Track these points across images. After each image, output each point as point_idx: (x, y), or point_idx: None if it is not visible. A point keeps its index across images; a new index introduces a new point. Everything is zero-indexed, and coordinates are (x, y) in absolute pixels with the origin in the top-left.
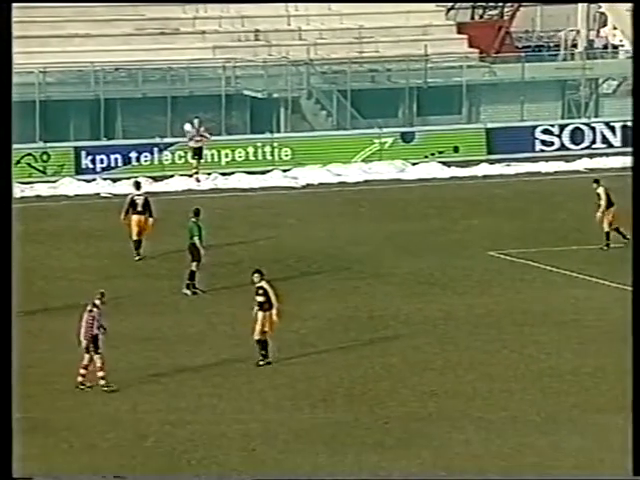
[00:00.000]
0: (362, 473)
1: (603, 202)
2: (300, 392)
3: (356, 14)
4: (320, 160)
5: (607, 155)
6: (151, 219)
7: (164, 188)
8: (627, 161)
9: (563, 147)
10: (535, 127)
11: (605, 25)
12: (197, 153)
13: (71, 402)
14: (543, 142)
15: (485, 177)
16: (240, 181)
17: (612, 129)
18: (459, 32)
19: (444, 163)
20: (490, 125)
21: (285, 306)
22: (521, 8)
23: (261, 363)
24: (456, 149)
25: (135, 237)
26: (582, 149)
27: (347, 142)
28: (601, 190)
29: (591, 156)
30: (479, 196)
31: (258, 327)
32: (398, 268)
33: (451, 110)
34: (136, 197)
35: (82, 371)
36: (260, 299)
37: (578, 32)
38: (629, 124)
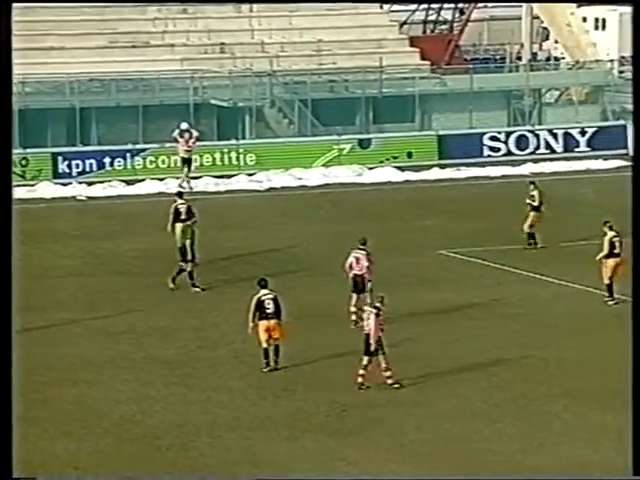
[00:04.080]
0: (363, 473)
1: (536, 204)
2: (264, 382)
3: (315, 28)
4: (283, 165)
5: (550, 160)
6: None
7: (136, 191)
8: (570, 165)
9: (509, 153)
10: (483, 134)
11: (547, 39)
12: (186, 162)
13: (48, 393)
14: (490, 148)
15: (436, 181)
16: (208, 185)
17: (554, 136)
18: (412, 45)
19: (398, 168)
20: (441, 132)
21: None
22: (469, 23)
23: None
24: (409, 155)
25: (179, 245)
26: (527, 154)
27: (308, 148)
28: (536, 192)
29: (535, 161)
30: (431, 198)
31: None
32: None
33: (405, 118)
34: (180, 206)
35: (361, 372)
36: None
37: (522, 46)
38: (570, 131)
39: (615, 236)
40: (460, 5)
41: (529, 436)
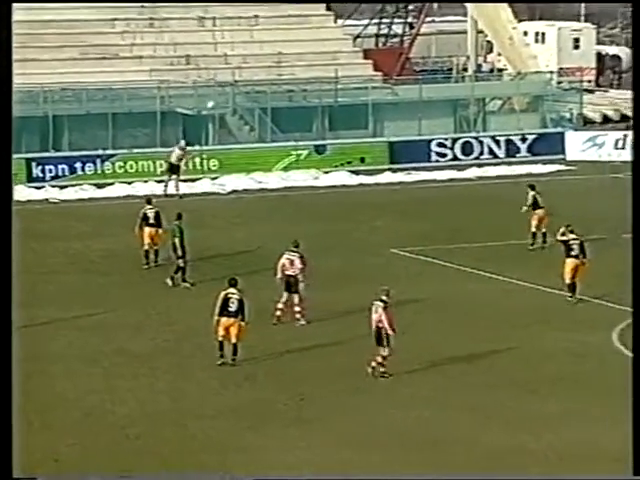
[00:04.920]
0: (363, 473)
1: (529, 203)
2: (227, 373)
3: (275, 41)
4: (244, 169)
5: (493, 165)
6: (161, 231)
7: (106, 194)
8: (512, 169)
9: (455, 158)
10: (431, 140)
11: (491, 52)
12: (174, 169)
13: (24, 387)
14: (438, 154)
15: (388, 184)
16: (171, 188)
17: (497, 142)
18: (365, 57)
19: (352, 172)
20: (392, 139)
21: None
22: (418, 37)
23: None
24: (363, 159)
25: (146, 247)
26: (471, 159)
27: (268, 153)
28: (530, 195)
29: (479, 165)
30: (383, 201)
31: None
32: (313, 264)
33: (358, 126)
34: (148, 211)
35: (377, 360)
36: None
37: (468, 58)
38: (512, 138)
39: (574, 239)
40: (410, 20)
41: (478, 424)
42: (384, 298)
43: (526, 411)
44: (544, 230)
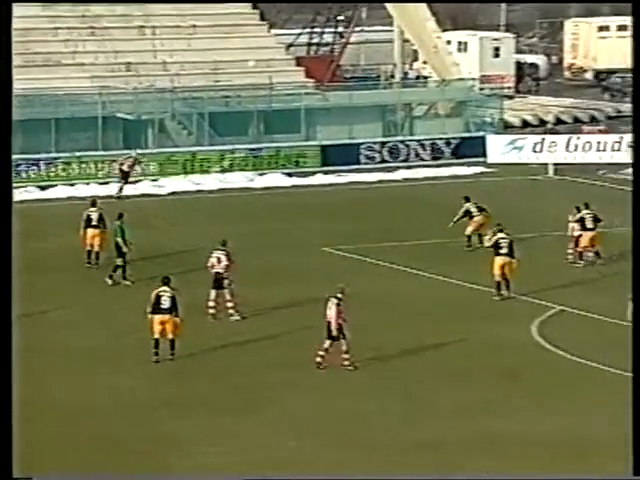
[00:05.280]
0: (364, 473)
1: (457, 218)
2: (163, 367)
3: (212, 49)
4: (182, 172)
5: (419, 167)
6: (104, 231)
7: (49, 196)
8: (437, 172)
9: (384, 161)
10: (361, 144)
11: (417, 60)
12: (125, 176)
13: None
14: (367, 156)
15: (320, 185)
16: (115, 190)
17: (423, 145)
18: (297, 65)
19: (287, 174)
20: (324, 142)
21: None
22: (348, 46)
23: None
24: (296, 162)
25: (89, 248)
26: (399, 162)
27: (205, 156)
28: (465, 205)
29: (407, 168)
30: (315, 202)
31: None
32: (247, 262)
33: (292, 130)
34: (91, 213)
35: (321, 353)
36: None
37: (395, 65)
38: (437, 141)
39: (503, 238)
40: (340, 29)
41: (410, 412)
42: (339, 295)
43: (452, 401)
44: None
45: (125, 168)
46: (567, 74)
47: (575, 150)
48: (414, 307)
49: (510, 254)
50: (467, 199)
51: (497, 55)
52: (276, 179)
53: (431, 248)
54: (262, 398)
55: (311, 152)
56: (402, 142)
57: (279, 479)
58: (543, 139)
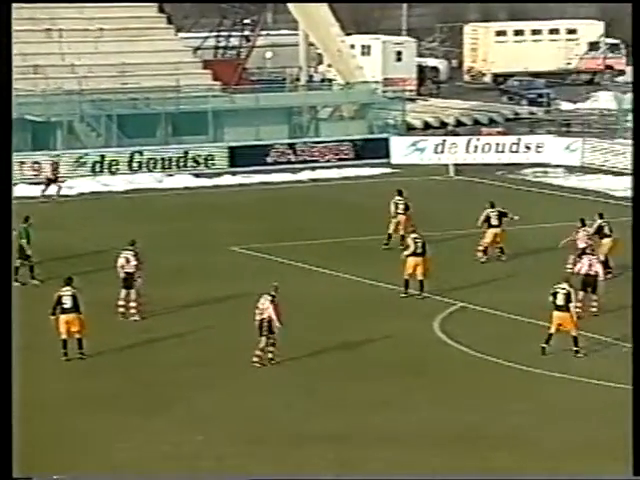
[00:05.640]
0: (364, 473)
1: (401, 210)
2: (74, 365)
3: (120, 52)
4: (91, 173)
5: (325, 168)
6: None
7: None
8: (342, 172)
9: (290, 162)
10: (268, 145)
11: (321, 63)
12: (49, 182)
13: None
14: (274, 158)
15: (228, 186)
16: (23, 191)
17: (328, 147)
18: (205, 68)
19: (195, 175)
20: (232, 144)
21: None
22: (254, 49)
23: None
24: (205, 163)
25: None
26: (305, 163)
27: (114, 158)
28: (399, 199)
29: (312, 169)
30: (223, 202)
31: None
32: (156, 262)
33: (200, 131)
34: None
35: (258, 352)
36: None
37: (300, 69)
38: (342, 143)
39: (416, 238)
40: (247, 33)
41: (314, 407)
42: (272, 293)
43: (355, 396)
44: (402, 233)
45: (50, 175)
46: (467, 77)
47: (475, 151)
48: (321, 305)
49: (423, 254)
50: (400, 192)
51: (399, 59)
52: (184, 180)
53: (335, 247)
54: (170, 396)
55: (219, 153)
56: (308, 143)
57: (280, 479)
58: (444, 140)
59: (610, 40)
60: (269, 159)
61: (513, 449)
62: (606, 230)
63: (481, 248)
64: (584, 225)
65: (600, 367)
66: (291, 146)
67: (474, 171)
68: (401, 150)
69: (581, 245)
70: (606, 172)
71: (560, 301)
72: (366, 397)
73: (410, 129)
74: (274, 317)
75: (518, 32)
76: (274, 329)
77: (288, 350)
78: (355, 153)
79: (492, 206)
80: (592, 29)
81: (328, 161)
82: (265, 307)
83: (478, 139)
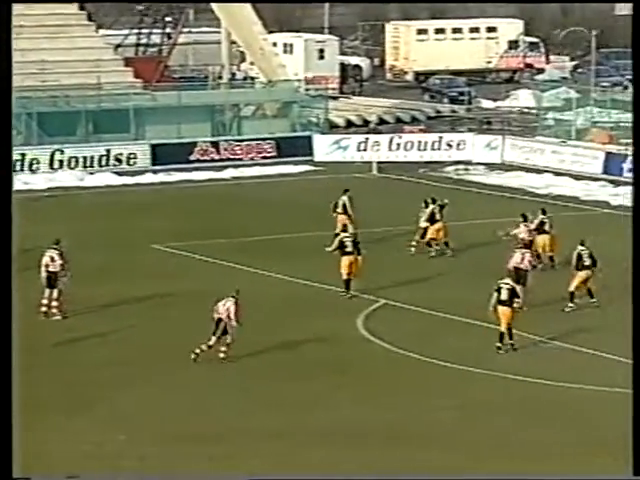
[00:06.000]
0: (364, 473)
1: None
2: None
3: (39, 49)
4: (12, 171)
5: (247, 166)
6: None
7: None
8: (264, 170)
9: (212, 160)
10: (190, 143)
11: (244, 61)
12: None
13: None
14: (197, 156)
15: (150, 184)
16: None
17: (250, 145)
18: (126, 65)
19: (117, 173)
20: (154, 141)
21: None
22: (176, 46)
23: None
24: (127, 161)
25: None
26: (228, 161)
27: (34, 156)
28: (345, 199)
29: (235, 167)
30: (145, 200)
31: None
32: (77, 261)
33: (121, 129)
34: None
35: (203, 347)
36: None
37: (223, 67)
38: (264, 141)
39: (346, 237)
40: (168, 30)
41: (245, 405)
42: (234, 295)
43: (283, 395)
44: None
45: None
46: (389, 76)
47: (397, 149)
48: (244, 303)
49: (355, 252)
50: (346, 191)
51: (322, 57)
52: (106, 178)
53: (258, 245)
54: (92, 395)
55: (141, 151)
56: (231, 142)
57: (281, 479)
58: (367, 138)
59: (529, 39)
60: (192, 157)
61: (434, 445)
62: (546, 227)
63: (421, 243)
64: (526, 220)
65: (521, 363)
66: (214, 144)
67: (397, 169)
68: (324, 148)
69: (521, 238)
70: (526, 170)
71: (504, 296)
72: (294, 395)
73: (333, 127)
74: (232, 317)
75: (439, 31)
76: (229, 329)
77: (210, 350)
78: (278, 151)
79: (434, 202)
80: (512, 27)
81: (251, 159)
82: (226, 307)
83: (400, 137)
